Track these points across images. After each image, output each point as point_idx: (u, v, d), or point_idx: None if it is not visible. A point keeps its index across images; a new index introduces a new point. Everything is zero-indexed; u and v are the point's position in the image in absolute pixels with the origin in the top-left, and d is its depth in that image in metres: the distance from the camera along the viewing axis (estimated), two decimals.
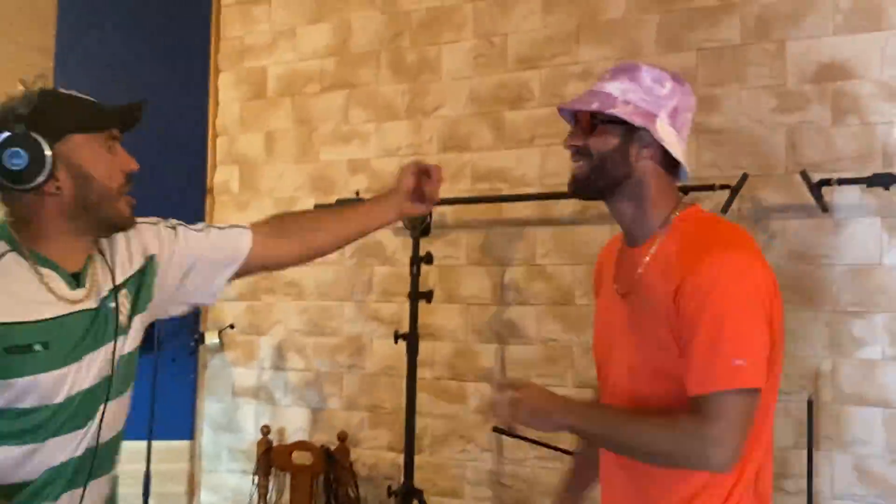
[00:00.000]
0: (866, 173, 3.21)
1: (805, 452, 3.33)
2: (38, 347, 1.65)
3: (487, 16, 4.01)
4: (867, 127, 3.33)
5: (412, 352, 3.84)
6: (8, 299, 1.66)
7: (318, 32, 4.48)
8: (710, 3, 3.60)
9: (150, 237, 1.91)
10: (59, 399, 1.69)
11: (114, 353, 1.79)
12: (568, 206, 3.76)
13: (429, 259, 3.82)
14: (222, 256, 2.05)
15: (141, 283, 1.88)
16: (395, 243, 4.20)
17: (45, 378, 1.66)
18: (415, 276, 3.83)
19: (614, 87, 1.91)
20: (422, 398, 3.96)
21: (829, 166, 3.33)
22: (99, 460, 1.82)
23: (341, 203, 4.13)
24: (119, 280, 1.83)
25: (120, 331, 1.81)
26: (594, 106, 1.88)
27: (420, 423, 3.94)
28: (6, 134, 1.62)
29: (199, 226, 2.04)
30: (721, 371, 1.73)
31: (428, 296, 3.85)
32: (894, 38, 3.34)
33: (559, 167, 3.74)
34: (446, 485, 4.07)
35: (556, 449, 3.52)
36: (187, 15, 4.71)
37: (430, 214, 3.63)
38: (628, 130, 1.87)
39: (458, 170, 4.04)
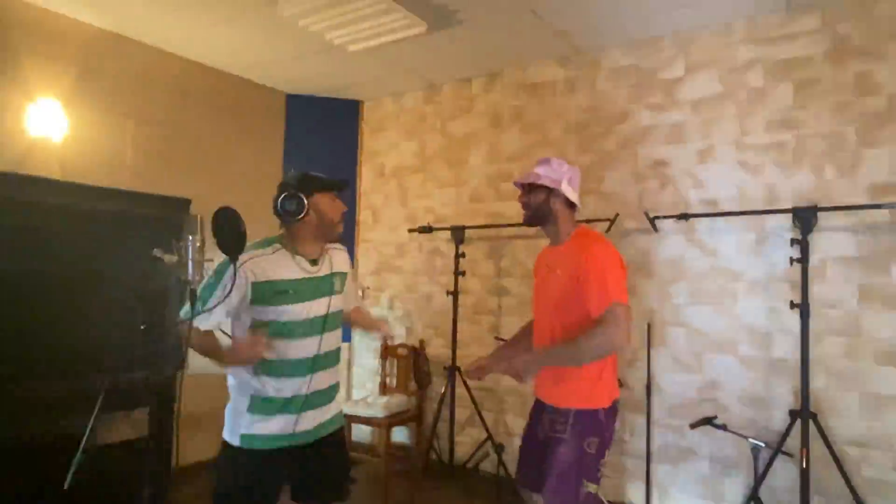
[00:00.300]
0: (676, 212, 3.29)
1: (646, 351, 3.41)
2: (290, 291, 1.83)
3: (493, 136, 4.18)
4: (676, 191, 3.42)
5: (455, 300, 4.00)
6: (279, 269, 1.84)
7: (409, 145, 4.62)
8: (598, 131, 3.70)
9: (347, 260, 2.08)
10: (301, 319, 1.86)
11: (329, 304, 1.94)
12: (531, 230, 3.84)
13: (463, 254, 4.00)
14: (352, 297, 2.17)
15: (342, 279, 2.02)
16: (447, 246, 4.22)
17: (293, 307, 1.84)
18: (456, 263, 4.00)
19: (540, 170, 2.10)
20: (460, 324, 4.07)
21: (658, 210, 3.39)
22: (324, 359, 1.94)
23: None
24: (334, 270, 1.99)
25: (332, 293, 1.96)
26: (530, 180, 2.10)
27: (459, 335, 4.05)
28: (286, 193, 1.85)
29: (352, 275, 2.15)
30: (609, 294, 1.89)
31: (462, 273, 4.01)
32: (692, 147, 3.42)
33: None
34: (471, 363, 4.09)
35: None
36: (348, 133, 5.00)
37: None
38: (548, 191, 2.08)
39: (477, 211, 4.18)
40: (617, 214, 3.49)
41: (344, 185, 1.94)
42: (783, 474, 2.96)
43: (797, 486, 2.91)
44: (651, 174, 3.53)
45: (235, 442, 1.86)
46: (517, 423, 3.92)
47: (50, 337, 3.01)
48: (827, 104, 3.03)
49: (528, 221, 2.18)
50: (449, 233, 4.15)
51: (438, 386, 4.15)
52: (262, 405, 1.86)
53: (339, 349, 2.05)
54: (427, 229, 4.19)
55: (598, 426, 1.98)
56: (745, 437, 2.96)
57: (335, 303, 1.98)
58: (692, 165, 3.39)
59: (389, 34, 3.42)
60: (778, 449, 2.88)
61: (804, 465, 2.71)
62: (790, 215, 3.02)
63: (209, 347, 1.82)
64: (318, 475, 1.96)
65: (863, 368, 2.87)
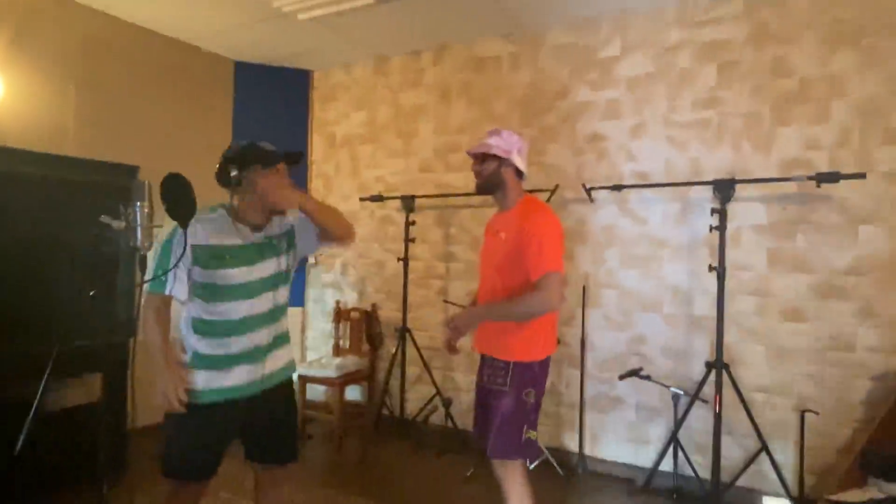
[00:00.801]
0: (610, 184, 3.39)
1: (581, 310, 3.51)
2: (227, 257, 1.78)
3: (441, 109, 4.15)
4: (611, 164, 3.50)
5: (405, 266, 4.02)
6: (218, 234, 1.79)
7: (360, 115, 4.54)
8: (541, 105, 3.74)
9: (294, 218, 1.96)
10: (238, 282, 1.79)
11: (277, 264, 1.90)
12: (478, 199, 3.87)
13: (413, 222, 4.00)
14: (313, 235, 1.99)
15: (290, 234, 1.95)
16: (398, 215, 4.21)
17: (230, 272, 1.78)
18: (407, 230, 4.00)
19: (491, 140, 2.12)
20: (410, 288, 4.12)
21: (594, 181, 3.50)
22: (268, 317, 1.89)
23: None
24: (281, 231, 1.92)
25: (278, 253, 1.90)
26: (483, 150, 2.11)
27: (410, 298, 4.10)
28: (220, 164, 1.83)
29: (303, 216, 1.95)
30: (545, 262, 1.94)
31: (412, 240, 4.02)
32: (626, 123, 3.49)
33: (472, 182, 4.02)
34: (422, 324, 4.12)
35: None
36: (298, 103, 4.85)
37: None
38: (499, 161, 2.10)
39: (426, 181, 4.18)
40: (557, 185, 3.59)
41: (287, 159, 1.86)
42: (698, 418, 3.18)
43: (710, 428, 3.14)
44: (588, 148, 3.63)
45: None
46: (464, 380, 4.02)
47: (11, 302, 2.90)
48: (746, 85, 3.16)
49: (481, 189, 2.20)
50: (399, 202, 4.12)
51: (390, 346, 4.22)
52: (202, 360, 1.83)
53: (285, 304, 1.99)
54: (378, 198, 4.17)
55: (534, 377, 2.07)
56: (667, 387, 3.15)
57: (283, 262, 1.93)
58: (626, 140, 3.51)
59: (338, 3, 3.31)
60: (695, 396, 3.08)
61: (717, 410, 2.90)
62: (711, 187, 3.16)
63: (153, 337, 1.78)
64: (268, 432, 1.94)
65: (769, 324, 3.08)
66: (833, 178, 2.71)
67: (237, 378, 1.85)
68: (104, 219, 1.54)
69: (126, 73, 3.90)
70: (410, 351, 4.06)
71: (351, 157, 4.60)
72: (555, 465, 3.40)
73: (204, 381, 1.82)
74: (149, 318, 1.78)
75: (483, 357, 2.19)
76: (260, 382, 1.90)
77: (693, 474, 3.10)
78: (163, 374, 1.75)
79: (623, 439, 3.44)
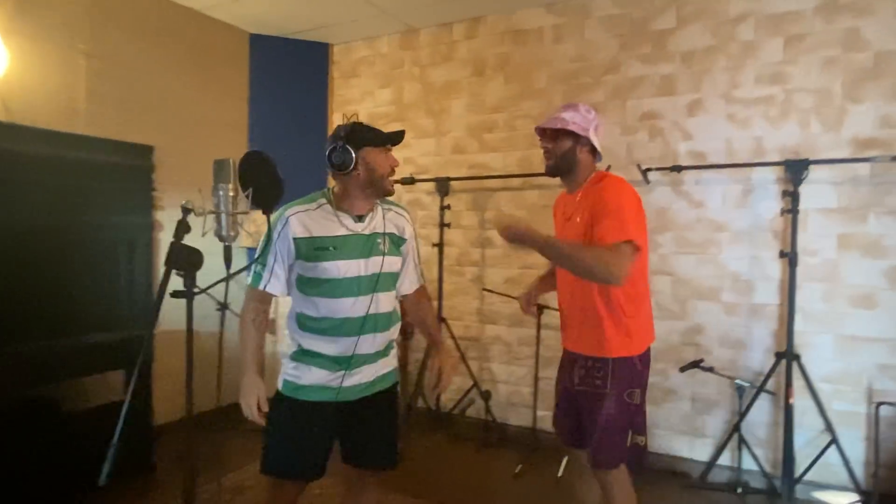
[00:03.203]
0: (664, 164, 3.25)
1: None
2: (331, 248, 1.68)
3: (475, 85, 3.96)
4: (665, 144, 3.35)
5: (440, 252, 3.88)
6: (320, 224, 1.71)
7: (385, 93, 4.31)
8: (587, 81, 3.56)
9: (409, 227, 1.89)
10: (343, 276, 1.70)
11: (381, 263, 1.77)
12: (516, 182, 3.75)
13: (448, 206, 3.85)
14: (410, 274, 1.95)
15: (396, 242, 1.84)
16: (429, 198, 4.05)
17: (334, 265, 1.69)
18: (442, 214, 3.86)
19: (566, 115, 1.92)
20: (445, 274, 3.98)
21: (646, 162, 3.32)
22: (374, 321, 1.77)
23: None
24: (387, 231, 1.81)
25: (383, 253, 1.78)
26: (557, 125, 1.91)
27: (444, 286, 3.97)
28: (334, 146, 1.69)
29: (415, 244, 1.95)
30: (626, 228, 1.74)
31: (447, 225, 3.87)
32: (682, 100, 3.34)
33: (511, 162, 3.81)
34: (457, 313, 3.97)
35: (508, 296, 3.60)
36: (317, 78, 4.61)
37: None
38: (575, 138, 1.91)
39: (460, 162, 3.98)
40: (609, 166, 3.35)
41: (398, 140, 1.78)
42: (759, 410, 3.07)
43: (772, 420, 3.06)
44: (640, 126, 3.43)
45: (279, 386, 1.79)
46: (501, 370, 3.89)
47: (20, 296, 2.66)
48: (815, 59, 3.01)
49: (552, 170, 2.00)
50: (430, 184, 3.96)
51: (422, 337, 4.02)
52: (306, 356, 1.77)
53: (393, 311, 1.87)
54: (410, 181, 3.96)
55: (637, 375, 1.90)
56: (732, 379, 3.04)
57: (389, 264, 1.81)
58: (682, 118, 3.32)
59: None
60: (761, 387, 2.97)
61: (790, 402, 2.81)
62: (775, 168, 3.03)
63: (246, 337, 1.74)
64: (367, 436, 1.84)
65: (837, 311, 2.97)
66: None
67: (338, 380, 1.75)
68: (187, 203, 1.37)
69: (136, 43, 3.58)
70: (446, 341, 3.92)
71: None
72: None
73: (306, 377, 1.75)
74: (247, 315, 1.73)
75: (571, 355, 2.00)
76: (360, 389, 1.80)
77: (757, 468, 3.02)
78: (246, 381, 1.68)
79: (677, 432, 3.32)
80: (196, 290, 1.39)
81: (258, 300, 1.75)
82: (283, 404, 1.75)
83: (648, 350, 1.96)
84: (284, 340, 1.87)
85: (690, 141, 3.30)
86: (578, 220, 1.91)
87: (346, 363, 1.75)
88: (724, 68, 3.21)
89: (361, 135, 1.71)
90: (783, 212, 2.87)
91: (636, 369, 1.90)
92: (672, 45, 3.34)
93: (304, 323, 1.76)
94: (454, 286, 4.03)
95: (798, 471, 2.91)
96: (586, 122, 1.92)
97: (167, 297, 1.42)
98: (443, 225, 3.84)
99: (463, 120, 4.01)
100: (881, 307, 2.88)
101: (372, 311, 1.76)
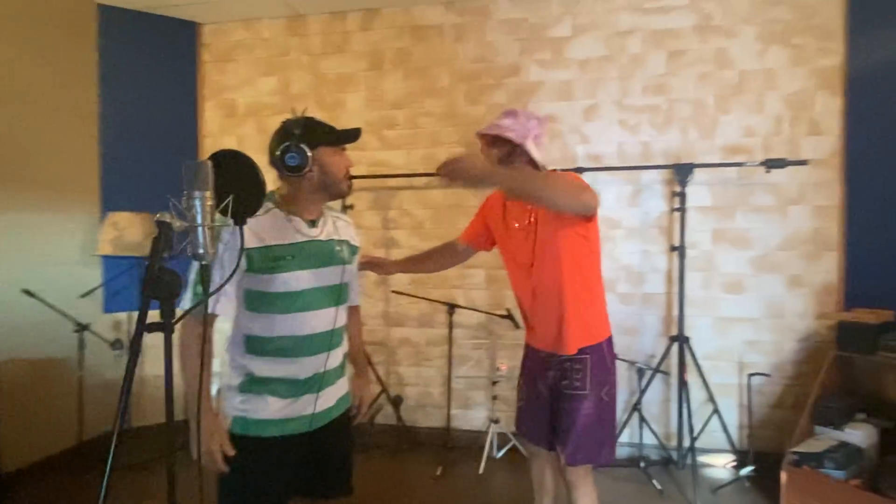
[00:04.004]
0: (563, 166, 3.32)
1: None
2: (289, 257, 1.54)
3: (373, 79, 3.79)
4: (565, 146, 3.47)
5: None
6: (273, 231, 1.54)
7: (269, 81, 3.94)
8: (489, 82, 3.60)
9: (354, 236, 1.78)
10: (303, 288, 1.55)
11: (342, 272, 1.65)
12: (420, 181, 3.68)
13: (351, 206, 3.66)
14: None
15: (352, 250, 1.73)
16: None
17: (294, 275, 1.54)
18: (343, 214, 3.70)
19: (504, 121, 1.88)
20: None
21: (550, 164, 3.48)
22: (338, 335, 1.66)
23: None
24: (341, 237, 1.69)
25: (343, 262, 1.66)
26: (494, 131, 1.88)
27: None
28: (286, 143, 1.53)
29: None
30: (583, 183, 1.75)
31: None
32: (579, 105, 3.56)
33: (415, 160, 3.71)
34: (361, 317, 3.81)
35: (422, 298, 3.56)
36: (184, 62, 4.07)
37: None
38: (511, 146, 1.87)
39: (358, 159, 3.74)
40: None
41: (354, 138, 1.64)
42: (653, 389, 3.40)
43: (664, 397, 3.40)
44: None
45: (227, 425, 1.55)
46: (409, 373, 3.80)
47: None
48: (692, 73, 3.38)
49: None
50: None
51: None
52: (258, 384, 1.56)
53: (344, 327, 1.74)
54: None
55: (609, 370, 1.94)
56: (633, 363, 3.31)
57: (349, 273, 1.71)
58: (579, 122, 3.51)
59: None
60: (656, 369, 3.28)
61: (685, 380, 3.14)
62: (661, 170, 3.36)
63: (193, 376, 1.43)
64: (326, 465, 1.69)
65: (714, 297, 3.39)
66: (780, 164, 3.04)
67: (299, 409, 1.59)
68: (163, 215, 1.07)
69: None
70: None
71: (259, 131, 3.96)
72: (518, 446, 3.37)
73: (262, 410, 1.55)
74: (192, 346, 1.44)
75: (541, 354, 2.00)
76: (320, 416, 1.64)
77: (655, 442, 3.35)
78: (205, 425, 1.45)
79: None
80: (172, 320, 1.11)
81: (202, 326, 1.47)
82: (238, 445, 1.52)
83: (612, 339, 2.01)
84: (223, 370, 1.60)
85: (587, 144, 3.51)
86: (532, 217, 1.89)
87: (314, 385, 1.60)
88: (615, 77, 3.47)
89: (316, 133, 1.57)
90: (673, 210, 3.19)
91: (607, 363, 1.94)
92: (569, 52, 3.52)
93: (254, 346, 1.55)
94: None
95: (687, 440, 3.29)
96: (525, 129, 1.88)
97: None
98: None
99: (360, 115, 3.82)
100: (748, 291, 3.35)
101: (333, 325, 1.63)
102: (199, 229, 1.15)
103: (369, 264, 2.14)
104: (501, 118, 1.92)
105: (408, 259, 2.32)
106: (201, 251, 1.15)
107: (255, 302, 1.53)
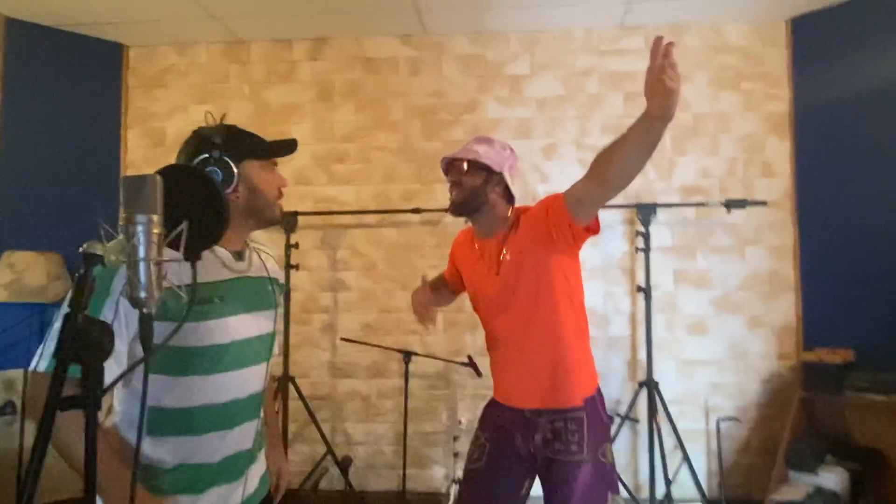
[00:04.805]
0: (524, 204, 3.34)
1: None
2: (216, 299, 1.21)
3: (321, 111, 3.53)
4: (525, 184, 3.40)
5: (286, 298, 3.25)
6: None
7: (203, 110, 3.64)
8: (446, 118, 3.45)
9: (280, 273, 1.49)
10: (231, 340, 1.22)
11: (273, 318, 1.37)
12: (372, 219, 3.45)
13: (295, 245, 3.28)
14: None
15: (279, 291, 1.43)
16: (268, 236, 3.31)
17: (221, 323, 1.21)
18: (288, 255, 3.25)
19: (479, 148, 1.72)
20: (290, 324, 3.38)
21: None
22: (262, 398, 1.36)
23: None
24: (270, 275, 1.41)
25: (273, 306, 1.38)
26: (469, 156, 1.70)
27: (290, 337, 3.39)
28: (205, 155, 1.24)
29: None
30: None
31: (295, 266, 3.28)
32: (538, 143, 3.47)
33: (366, 196, 3.48)
34: (303, 369, 3.41)
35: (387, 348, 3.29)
36: (105, 86, 3.66)
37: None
38: (487, 174, 1.71)
39: (304, 195, 3.46)
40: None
41: (290, 150, 1.38)
42: (621, 436, 3.23)
43: (631, 445, 3.24)
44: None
45: None
46: (357, 430, 3.44)
47: None
48: None
49: (458, 207, 1.73)
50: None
51: None
52: (166, 478, 1.17)
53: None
54: None
55: (604, 426, 1.71)
56: None
57: (278, 319, 1.40)
58: (539, 160, 3.41)
59: None
60: (626, 416, 3.12)
61: (657, 428, 2.98)
62: (622, 210, 3.30)
63: (107, 461, 1.01)
64: None
65: (677, 338, 3.31)
66: (741, 204, 3.04)
67: (237, 495, 1.26)
68: (93, 247, 0.75)
69: None
70: (293, 403, 3.29)
71: None
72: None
73: None
74: (74, 431, 0.89)
75: (524, 414, 1.71)
76: (250, 501, 1.31)
77: (626, 495, 3.16)
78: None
79: None
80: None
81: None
82: None
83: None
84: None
85: (546, 183, 3.39)
86: (509, 256, 1.69)
87: (222, 474, 1.23)
88: (574, 116, 3.41)
89: (242, 144, 1.30)
90: (637, 250, 3.11)
91: (603, 417, 1.72)
92: (527, 90, 3.44)
93: (158, 424, 1.16)
94: (300, 337, 3.45)
95: (660, 491, 3.12)
96: (500, 158, 1.72)
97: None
98: (289, 266, 3.28)
99: (307, 148, 3.52)
100: (710, 332, 3.29)
101: (260, 387, 1.32)
102: (142, 265, 0.85)
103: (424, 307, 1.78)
104: (474, 144, 1.74)
105: (433, 289, 1.91)
106: (143, 295, 0.85)
107: (169, 362, 1.14)
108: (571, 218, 1.55)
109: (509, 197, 1.75)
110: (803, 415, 2.96)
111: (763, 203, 3.08)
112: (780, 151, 3.29)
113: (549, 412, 1.68)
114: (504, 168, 1.72)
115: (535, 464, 1.70)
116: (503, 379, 1.78)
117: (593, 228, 1.61)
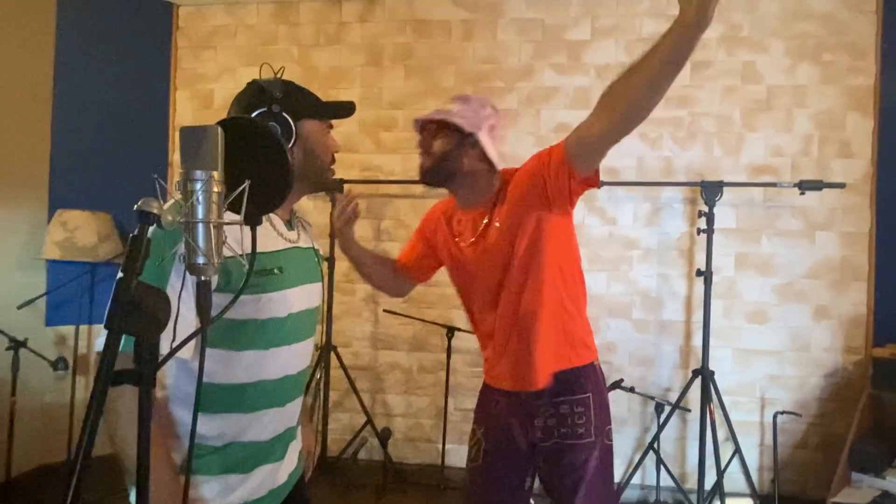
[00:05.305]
0: None
1: None
2: (276, 270, 1.13)
3: (370, 75, 3.43)
4: None
5: (331, 266, 3.22)
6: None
7: (252, 72, 3.57)
8: (499, 85, 3.29)
9: (318, 245, 1.40)
10: (288, 313, 1.16)
11: (322, 292, 1.33)
12: (418, 189, 3.32)
13: None
14: None
15: (319, 254, 1.36)
16: (309, 203, 3.34)
17: (280, 296, 1.13)
18: (332, 223, 3.29)
19: (452, 107, 1.55)
20: (334, 293, 3.36)
21: None
22: (308, 373, 1.32)
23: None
24: (316, 246, 1.36)
25: (321, 278, 1.33)
26: (438, 117, 1.53)
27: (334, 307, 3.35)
28: (263, 109, 1.15)
29: None
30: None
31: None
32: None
33: (412, 167, 3.43)
34: (345, 338, 3.37)
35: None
36: (155, 45, 3.61)
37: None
38: (461, 136, 1.52)
39: (351, 163, 3.36)
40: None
41: (349, 112, 1.33)
42: (670, 426, 3.09)
43: (679, 435, 3.10)
44: (554, 137, 3.14)
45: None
46: (398, 402, 3.41)
47: None
48: (718, 87, 3.15)
49: (426, 174, 1.57)
50: None
51: None
52: (215, 457, 1.10)
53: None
54: None
55: (606, 404, 1.58)
56: (651, 398, 3.01)
57: (322, 294, 1.34)
58: None
59: None
60: (676, 405, 2.98)
61: (711, 419, 2.84)
62: (682, 188, 3.11)
63: (157, 455, 0.95)
64: None
65: (735, 326, 3.13)
66: (816, 186, 2.80)
67: (261, 485, 1.16)
68: (148, 205, 0.66)
69: None
70: (334, 372, 3.27)
71: None
72: None
73: (240, 490, 1.12)
74: (130, 408, 0.82)
75: (523, 398, 1.57)
76: (282, 489, 1.22)
77: (669, 483, 3.04)
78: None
79: None
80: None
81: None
82: None
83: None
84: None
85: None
86: (499, 223, 1.52)
87: (269, 452, 1.17)
88: None
89: (300, 101, 1.21)
90: (698, 231, 2.93)
91: (605, 397, 1.59)
92: (587, 57, 3.24)
93: (212, 399, 1.08)
94: (344, 307, 3.42)
95: (708, 483, 2.98)
96: (477, 118, 1.53)
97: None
98: (333, 235, 3.22)
99: (355, 114, 3.42)
100: (771, 322, 3.10)
101: (308, 362, 1.28)
102: (200, 227, 0.77)
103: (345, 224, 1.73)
104: (449, 103, 1.57)
105: (373, 255, 1.89)
106: (201, 260, 0.77)
107: (225, 335, 1.07)
108: (572, 165, 1.37)
109: (488, 160, 1.55)
110: (871, 414, 2.77)
111: (841, 185, 2.84)
112: (861, 130, 3.02)
113: (549, 393, 1.54)
114: (482, 128, 1.53)
115: (534, 455, 1.59)
116: (497, 361, 1.61)
117: (593, 180, 1.43)
